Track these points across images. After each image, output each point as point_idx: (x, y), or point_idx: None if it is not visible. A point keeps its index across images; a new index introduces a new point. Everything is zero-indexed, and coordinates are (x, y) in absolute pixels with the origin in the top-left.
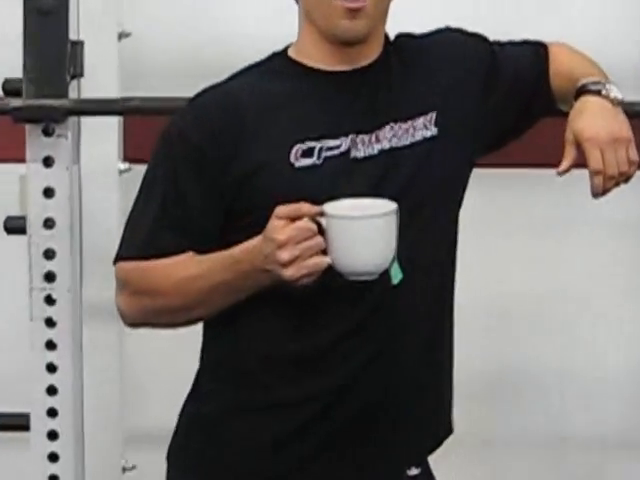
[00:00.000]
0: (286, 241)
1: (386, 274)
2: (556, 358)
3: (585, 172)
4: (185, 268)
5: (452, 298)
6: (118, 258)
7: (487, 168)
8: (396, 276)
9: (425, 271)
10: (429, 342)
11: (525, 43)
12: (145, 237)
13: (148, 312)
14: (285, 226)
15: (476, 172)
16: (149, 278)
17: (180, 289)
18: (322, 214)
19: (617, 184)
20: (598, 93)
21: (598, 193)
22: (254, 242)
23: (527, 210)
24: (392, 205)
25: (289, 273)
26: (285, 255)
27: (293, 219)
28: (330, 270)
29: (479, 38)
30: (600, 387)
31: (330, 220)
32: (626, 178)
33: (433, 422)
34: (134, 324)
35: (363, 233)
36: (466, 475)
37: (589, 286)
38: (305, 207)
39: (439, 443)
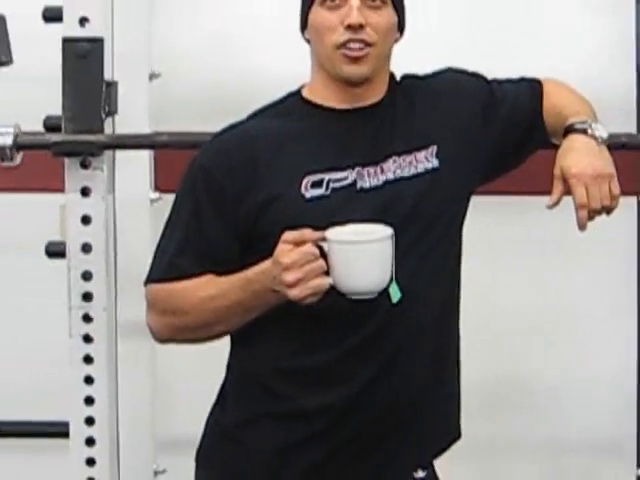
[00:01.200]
0: (291, 264)
1: (386, 293)
2: (552, 369)
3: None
4: (204, 289)
5: (457, 315)
6: (147, 280)
7: (484, 196)
8: (395, 295)
9: (427, 292)
10: (436, 355)
11: (522, 80)
12: (170, 262)
13: (174, 329)
14: (290, 251)
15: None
16: (173, 298)
17: (200, 308)
18: (324, 239)
19: (600, 215)
20: (584, 132)
21: (583, 225)
22: (265, 265)
23: (523, 233)
24: (388, 230)
25: (294, 293)
26: (290, 277)
27: (298, 244)
28: (334, 290)
29: (478, 77)
30: (593, 395)
31: (331, 244)
32: (608, 210)
33: (441, 427)
34: (163, 340)
35: (361, 256)
36: (469, 477)
37: (582, 303)
38: (308, 233)
39: (446, 447)
